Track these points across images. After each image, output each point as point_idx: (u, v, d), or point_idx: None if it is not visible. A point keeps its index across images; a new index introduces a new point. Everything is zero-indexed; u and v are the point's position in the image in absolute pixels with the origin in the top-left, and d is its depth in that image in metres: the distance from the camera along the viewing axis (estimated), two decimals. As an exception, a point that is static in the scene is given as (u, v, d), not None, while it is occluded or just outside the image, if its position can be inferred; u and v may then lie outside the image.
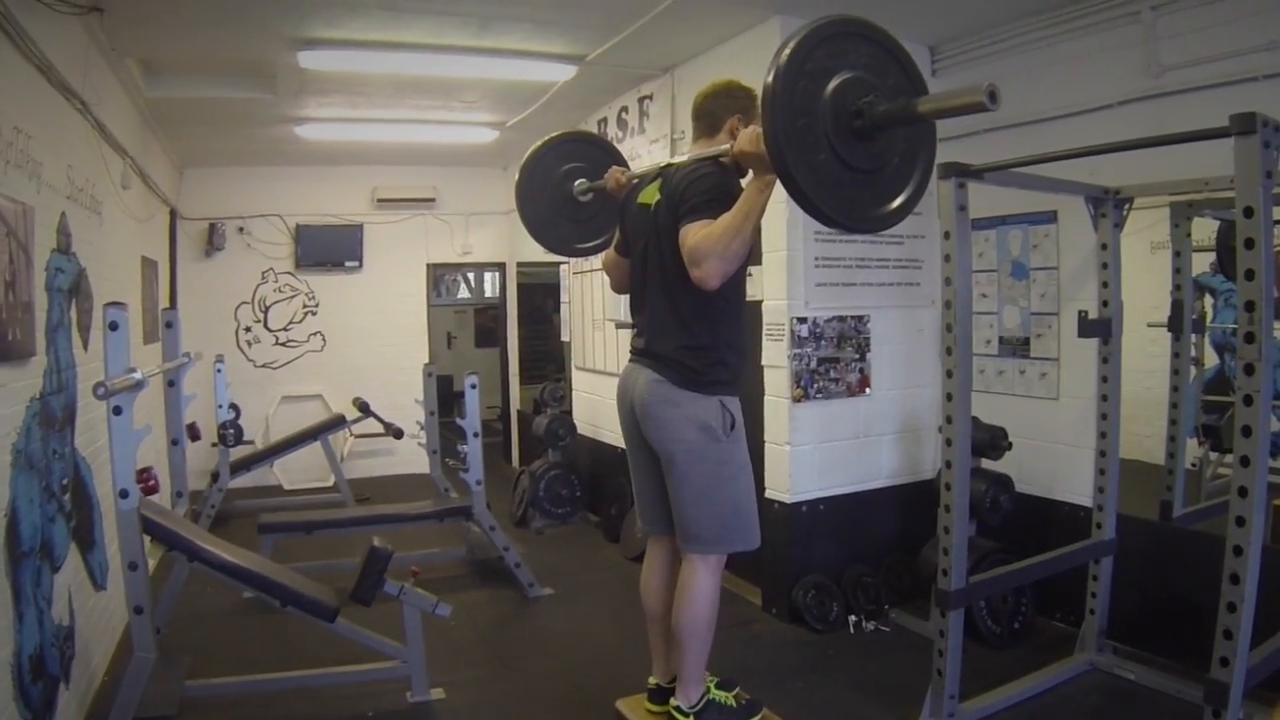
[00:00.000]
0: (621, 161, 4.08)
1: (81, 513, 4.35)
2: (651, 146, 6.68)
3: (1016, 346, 5.32)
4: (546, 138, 4.13)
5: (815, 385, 5.35)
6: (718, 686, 3.40)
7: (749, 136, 2.81)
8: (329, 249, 10.09)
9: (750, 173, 2.89)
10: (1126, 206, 4.39)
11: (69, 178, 4.49)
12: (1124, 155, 3.57)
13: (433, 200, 10.38)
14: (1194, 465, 4.85)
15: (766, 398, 5.46)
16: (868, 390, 5.58)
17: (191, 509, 7.14)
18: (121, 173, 5.93)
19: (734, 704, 3.37)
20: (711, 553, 3.24)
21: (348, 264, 10.16)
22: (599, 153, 4.12)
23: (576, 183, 3.99)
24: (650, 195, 3.23)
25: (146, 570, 3.82)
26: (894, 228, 5.35)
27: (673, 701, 3.33)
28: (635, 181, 3.49)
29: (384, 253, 10.28)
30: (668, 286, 3.11)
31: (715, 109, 3.27)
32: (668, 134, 6.43)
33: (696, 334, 3.09)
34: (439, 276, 12.73)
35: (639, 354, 3.28)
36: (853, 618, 5.34)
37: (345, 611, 4.31)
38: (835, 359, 5.42)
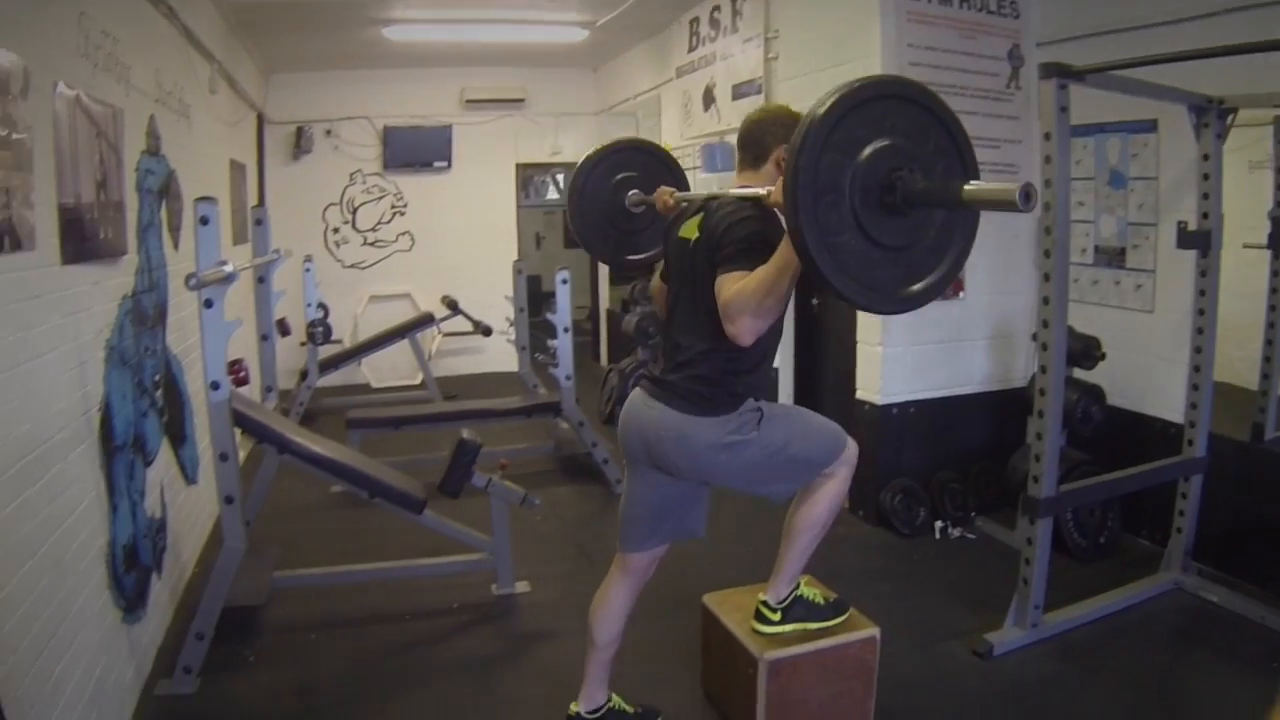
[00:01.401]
0: (677, 172, 3.91)
1: (173, 408, 4.48)
2: (745, 46, 6.54)
3: (1112, 256, 5.14)
4: (601, 145, 3.99)
5: (910, 287, 5.24)
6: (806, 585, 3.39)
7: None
8: (417, 150, 10.12)
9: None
10: (1230, 117, 4.16)
11: (157, 81, 4.54)
12: (1228, 66, 3.41)
13: (522, 101, 10.29)
14: (1287, 391, 4.69)
15: (861, 298, 5.37)
16: (961, 294, 5.48)
17: (280, 406, 7.30)
18: (209, 77, 5.98)
19: (821, 601, 3.35)
20: (794, 491, 3.20)
21: (436, 164, 10.18)
22: (653, 163, 3.95)
23: (630, 194, 3.88)
24: (690, 230, 3.05)
25: (237, 461, 3.89)
26: (991, 131, 5.22)
27: (760, 596, 3.32)
28: (683, 206, 3.32)
29: (473, 153, 10.26)
30: (697, 323, 2.95)
31: (762, 138, 3.04)
32: (761, 33, 6.29)
33: (713, 368, 2.94)
34: (528, 178, 12.67)
35: (651, 382, 3.18)
36: (939, 524, 5.34)
37: (432, 505, 4.40)
38: (929, 262, 5.29)
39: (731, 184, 3.08)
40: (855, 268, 2.21)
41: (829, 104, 2.13)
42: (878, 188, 2.19)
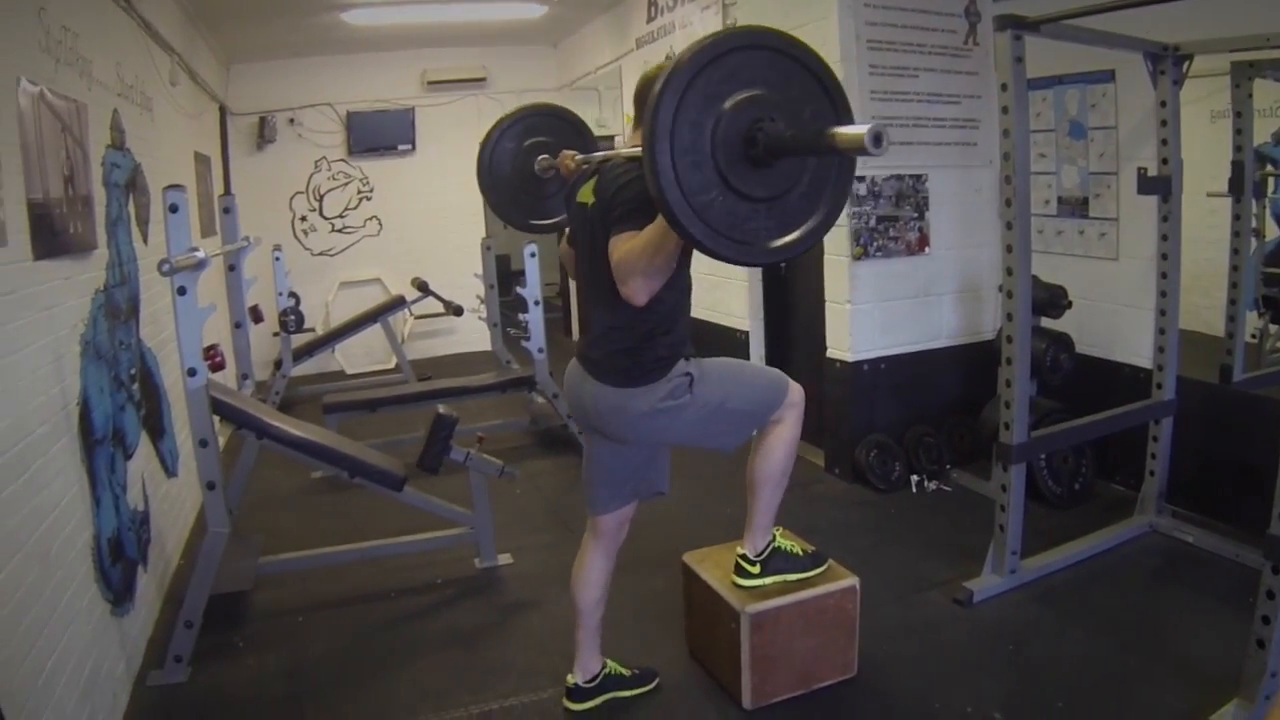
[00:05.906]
0: (587, 136, 3.93)
1: (150, 402, 4.48)
2: (704, 14, 6.58)
3: (1075, 206, 5.20)
4: (511, 111, 3.99)
5: (875, 243, 5.32)
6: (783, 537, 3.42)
7: None
8: (381, 134, 10.09)
9: None
10: (1186, 63, 4.22)
11: (119, 75, 4.52)
12: (1183, 12, 3.43)
13: (484, 80, 10.26)
14: (1254, 337, 4.75)
15: (826, 256, 5.43)
16: (927, 249, 5.53)
17: (256, 396, 7.25)
18: (169, 70, 5.93)
19: (800, 553, 3.38)
20: (744, 441, 3.20)
21: (400, 148, 10.16)
22: (564, 127, 3.96)
23: (539, 159, 3.89)
24: (587, 194, 3.00)
25: (217, 447, 3.88)
26: (951, 87, 5.23)
27: (739, 550, 3.35)
28: (585, 168, 3.31)
29: (437, 135, 10.22)
30: (601, 291, 2.91)
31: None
32: (718, 0, 6.31)
33: (629, 337, 2.92)
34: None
35: (580, 358, 3.14)
36: (915, 477, 5.40)
37: (412, 482, 4.42)
38: (894, 217, 5.37)
39: (628, 141, 3.05)
40: (724, 225, 2.18)
41: (678, 64, 2.09)
42: (740, 141, 2.15)
